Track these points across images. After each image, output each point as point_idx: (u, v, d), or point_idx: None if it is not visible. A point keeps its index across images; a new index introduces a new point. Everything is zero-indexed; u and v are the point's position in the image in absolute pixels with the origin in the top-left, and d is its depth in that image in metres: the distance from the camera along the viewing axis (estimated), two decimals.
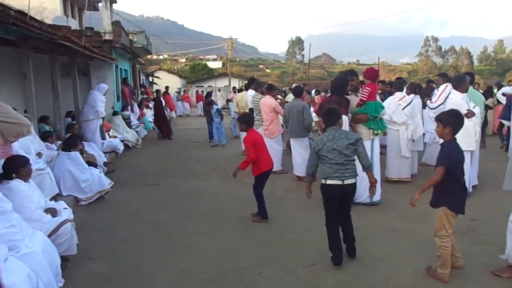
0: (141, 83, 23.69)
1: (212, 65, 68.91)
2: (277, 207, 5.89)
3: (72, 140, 6.41)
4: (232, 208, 5.95)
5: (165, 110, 15.67)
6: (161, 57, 77.71)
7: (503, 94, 11.18)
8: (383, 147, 8.99)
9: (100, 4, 17.74)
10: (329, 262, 4.05)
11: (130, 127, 12.20)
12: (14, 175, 3.90)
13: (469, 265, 3.88)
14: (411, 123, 7.07)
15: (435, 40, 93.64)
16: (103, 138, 9.58)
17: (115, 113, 11.63)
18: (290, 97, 11.29)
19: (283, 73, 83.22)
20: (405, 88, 7.65)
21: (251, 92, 9.03)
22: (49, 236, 3.74)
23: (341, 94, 5.69)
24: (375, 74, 6.25)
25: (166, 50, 77.56)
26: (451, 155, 3.53)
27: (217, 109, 12.08)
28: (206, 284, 3.72)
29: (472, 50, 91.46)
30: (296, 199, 6.36)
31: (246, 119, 5.40)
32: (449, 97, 6.72)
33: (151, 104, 16.63)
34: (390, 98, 7.42)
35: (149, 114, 15.98)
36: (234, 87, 22.91)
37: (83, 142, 7.66)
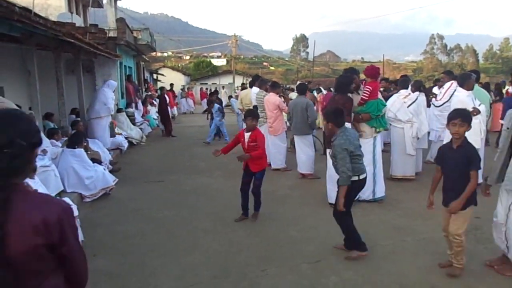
0: (144, 78, 23.70)
1: (216, 62, 68.98)
2: (281, 204, 5.88)
3: (76, 137, 6.43)
4: (235, 205, 5.93)
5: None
6: (165, 54, 77.77)
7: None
8: (387, 144, 9.01)
9: (104, 1, 17.74)
10: (332, 260, 4.06)
11: (134, 124, 12.23)
12: None
13: (473, 263, 3.87)
14: (416, 121, 7.03)
15: (441, 37, 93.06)
16: (113, 135, 9.63)
17: (119, 110, 11.67)
18: (293, 95, 11.28)
19: (287, 70, 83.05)
20: (410, 85, 7.61)
21: (255, 89, 9.01)
22: None
23: (344, 92, 5.66)
24: (376, 72, 6.22)
25: (170, 47, 77.49)
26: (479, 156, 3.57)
27: (219, 107, 12.03)
28: (209, 280, 3.73)
29: (478, 48, 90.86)
30: (300, 196, 6.36)
31: (256, 114, 5.32)
32: (454, 95, 6.70)
33: (155, 102, 16.65)
34: (395, 96, 7.39)
35: (153, 111, 16.00)
36: (242, 83, 22.91)
37: (87, 139, 7.68)
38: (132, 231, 4.94)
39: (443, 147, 3.81)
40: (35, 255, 1.42)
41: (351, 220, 4.15)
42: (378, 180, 5.93)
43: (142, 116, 14.47)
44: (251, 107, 9.68)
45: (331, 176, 5.74)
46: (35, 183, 4.08)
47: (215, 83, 38.03)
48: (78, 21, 12.59)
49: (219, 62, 70.28)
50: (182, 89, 27.57)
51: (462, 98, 6.26)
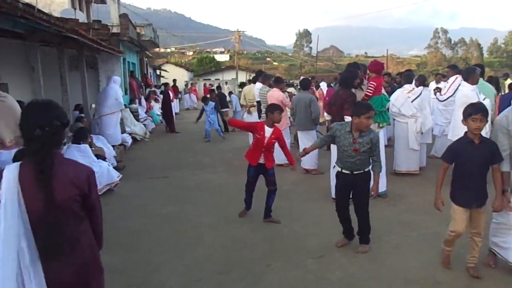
0: (145, 73, 23.68)
1: (220, 58, 68.84)
2: (285, 200, 5.88)
3: (82, 133, 6.46)
4: (239, 201, 5.94)
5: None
6: (168, 50, 77.78)
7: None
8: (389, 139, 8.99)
9: None
10: (336, 255, 4.07)
11: (137, 120, 12.24)
12: None
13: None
14: (420, 116, 7.00)
15: (445, 32, 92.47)
16: (123, 131, 9.67)
17: None
18: (291, 90, 11.20)
19: (290, 65, 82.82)
20: (414, 80, 7.57)
21: (258, 85, 8.99)
22: None
23: (348, 87, 5.63)
24: (380, 68, 6.18)
25: (173, 43, 77.57)
26: None
27: (215, 105, 11.95)
28: (214, 276, 3.74)
29: (482, 42, 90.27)
30: (304, 192, 6.36)
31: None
32: (459, 89, 6.66)
33: (159, 97, 16.66)
34: (399, 91, 7.36)
35: (157, 107, 16.01)
36: (242, 82, 22.85)
37: (91, 135, 7.70)
38: (136, 227, 4.96)
39: (459, 143, 3.51)
40: (73, 201, 1.98)
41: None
42: (381, 175, 5.91)
43: (146, 112, 14.49)
44: (254, 103, 9.69)
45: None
46: None
47: (218, 79, 38.02)
48: (81, 17, 12.60)
49: (222, 57, 70.12)
50: (186, 85, 27.59)
51: (467, 92, 6.22)
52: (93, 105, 10.08)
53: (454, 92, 7.08)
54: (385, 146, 6.43)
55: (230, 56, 67.37)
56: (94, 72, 11.62)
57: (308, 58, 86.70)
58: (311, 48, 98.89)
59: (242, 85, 15.67)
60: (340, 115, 5.48)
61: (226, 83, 32.00)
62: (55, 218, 1.91)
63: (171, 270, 3.85)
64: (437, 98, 7.91)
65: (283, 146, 4.99)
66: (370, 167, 4.09)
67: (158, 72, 33.41)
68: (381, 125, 5.91)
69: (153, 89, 18.78)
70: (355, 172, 4.02)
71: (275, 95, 7.93)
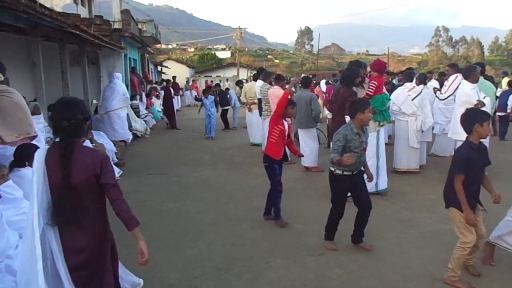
0: (148, 69, 23.63)
1: (221, 55, 68.66)
2: (285, 197, 5.86)
3: None
4: (239, 198, 5.97)
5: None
6: (169, 46, 77.50)
7: None
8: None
9: None
10: (335, 252, 4.09)
11: (138, 116, 12.24)
12: (26, 162, 3.94)
13: (478, 256, 3.87)
14: (420, 114, 7.00)
15: (446, 30, 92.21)
16: (130, 126, 9.69)
17: None
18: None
19: (292, 63, 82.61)
20: (414, 78, 7.57)
21: (259, 82, 8.99)
22: None
23: (349, 86, 5.63)
24: (383, 67, 6.19)
25: (175, 40, 77.31)
26: None
27: (214, 98, 11.90)
28: (214, 272, 3.75)
29: (484, 40, 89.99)
30: (304, 189, 6.36)
31: None
32: (459, 88, 6.66)
33: (160, 94, 16.65)
34: (399, 89, 7.36)
35: (158, 104, 16.00)
36: (239, 80, 22.69)
37: (92, 131, 7.71)
38: None
39: (468, 152, 3.33)
40: (88, 183, 2.33)
41: None
42: (381, 172, 5.93)
43: (146, 108, 14.48)
44: (255, 100, 9.69)
45: None
46: None
47: (219, 76, 37.94)
48: (83, 12, 12.58)
49: (224, 54, 69.93)
50: (187, 82, 27.58)
51: (467, 90, 6.23)
52: (94, 101, 10.08)
53: (454, 90, 7.08)
54: (385, 144, 6.43)
55: (231, 53, 67.24)
56: (96, 68, 11.60)
57: (309, 55, 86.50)
58: (312, 45, 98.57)
59: (238, 83, 15.49)
60: (341, 113, 5.48)
61: (227, 80, 31.93)
62: (70, 195, 2.29)
63: (171, 267, 3.86)
64: (437, 96, 7.92)
65: (289, 141, 5.03)
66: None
67: (159, 68, 33.34)
68: (381, 123, 5.92)
69: (154, 85, 18.77)
70: (354, 172, 4.02)
71: (276, 92, 7.92)
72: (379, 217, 5.01)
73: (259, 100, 8.97)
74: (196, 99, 11.53)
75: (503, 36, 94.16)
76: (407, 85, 7.23)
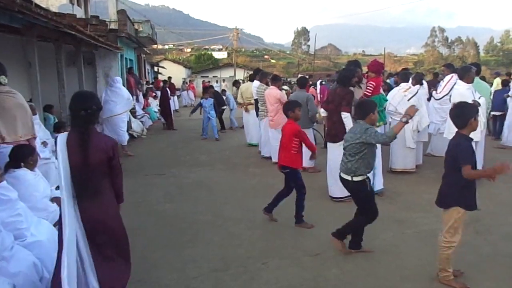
0: (145, 70, 23.59)
1: (218, 55, 68.59)
2: None
3: None
4: (237, 198, 5.96)
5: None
6: (166, 46, 77.36)
7: None
8: None
9: None
10: (332, 252, 4.09)
11: (135, 117, 12.21)
12: (22, 163, 3.92)
13: (473, 255, 3.89)
14: (416, 114, 7.01)
15: (442, 30, 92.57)
16: (130, 127, 9.75)
17: None
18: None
19: (288, 63, 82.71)
20: (410, 78, 7.59)
21: (256, 83, 8.99)
22: (54, 225, 3.76)
23: (346, 86, 5.64)
24: (381, 68, 6.21)
25: (171, 40, 77.21)
26: None
27: (214, 101, 11.88)
28: (210, 273, 3.75)
29: (479, 40, 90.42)
30: None
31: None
32: (454, 88, 6.68)
33: (157, 94, 16.61)
34: (395, 89, 7.37)
35: (154, 104, 15.96)
36: (235, 80, 22.70)
37: None
38: (133, 224, 4.93)
39: (469, 143, 3.32)
40: (102, 163, 2.81)
41: None
42: (378, 173, 5.93)
43: (143, 108, 14.44)
44: (252, 101, 9.69)
45: (332, 169, 5.75)
46: (36, 176, 4.08)
47: (216, 76, 37.95)
48: (79, 12, 12.53)
49: (220, 55, 69.83)
50: (183, 82, 27.58)
51: (462, 91, 6.24)
52: None
53: (450, 90, 7.10)
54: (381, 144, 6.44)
55: (228, 53, 67.12)
56: (92, 68, 11.56)
57: (306, 56, 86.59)
58: (309, 46, 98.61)
59: (235, 83, 15.44)
60: (338, 113, 5.48)
61: (224, 80, 31.95)
62: (87, 173, 2.73)
63: (168, 267, 3.85)
64: (432, 96, 7.94)
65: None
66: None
67: (156, 68, 33.31)
68: (378, 124, 5.93)
69: (150, 86, 18.74)
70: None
71: (272, 93, 7.93)
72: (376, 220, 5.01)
73: (256, 100, 8.97)
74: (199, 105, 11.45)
75: (498, 36, 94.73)
76: (403, 85, 7.25)
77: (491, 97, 8.23)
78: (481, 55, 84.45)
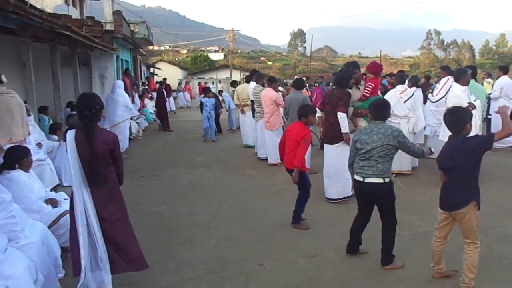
0: (146, 75, 23.52)
1: (214, 56, 68.63)
2: (277, 199, 5.89)
3: None
4: (232, 200, 5.95)
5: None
6: (162, 48, 77.35)
7: None
8: None
9: None
10: (329, 254, 4.08)
11: (131, 118, 12.14)
12: (16, 165, 3.89)
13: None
14: (412, 116, 7.04)
15: (438, 33, 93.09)
16: (131, 133, 9.69)
17: None
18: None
19: (284, 65, 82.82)
20: (407, 81, 7.61)
21: (252, 84, 8.99)
22: (49, 227, 3.73)
23: (343, 87, 5.65)
24: (379, 69, 6.23)
25: (167, 41, 77.13)
26: None
27: (216, 101, 11.80)
28: (206, 275, 3.73)
29: (474, 43, 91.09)
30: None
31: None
32: (450, 90, 6.70)
33: (153, 95, 16.57)
34: (391, 91, 7.39)
35: (150, 105, 15.92)
36: (233, 81, 22.66)
37: None
38: None
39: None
40: (105, 154, 3.22)
41: (355, 222, 4.10)
42: None
43: (139, 110, 14.39)
44: (248, 102, 9.68)
45: (328, 171, 5.75)
46: (31, 177, 4.05)
47: (212, 78, 37.92)
48: (75, 13, 12.49)
49: (217, 56, 69.87)
50: (179, 83, 27.54)
51: (458, 93, 6.27)
52: None
53: (446, 93, 7.12)
54: None
55: (224, 55, 67.22)
56: (87, 69, 11.52)
57: (302, 58, 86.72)
58: (305, 48, 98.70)
59: (233, 83, 15.37)
60: (335, 114, 5.49)
61: (220, 81, 31.93)
62: (94, 162, 3.17)
63: (163, 269, 3.83)
64: (429, 99, 7.96)
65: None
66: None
67: (151, 70, 33.24)
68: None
69: (146, 87, 18.70)
70: None
71: (268, 94, 7.93)
72: (371, 219, 5.01)
73: (252, 102, 8.96)
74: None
75: (493, 39, 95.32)
76: (399, 87, 7.27)
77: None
78: (476, 58, 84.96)
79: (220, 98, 13.60)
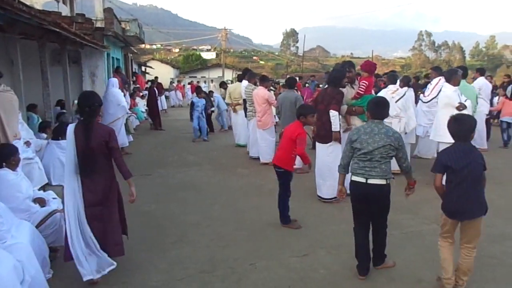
0: (132, 70, 23.33)
1: (206, 55, 68.32)
2: (269, 198, 5.85)
3: (61, 128, 6.30)
4: (224, 199, 5.92)
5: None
6: (154, 46, 76.89)
7: None
8: None
9: None
10: (320, 253, 4.06)
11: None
12: (4, 163, 3.82)
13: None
14: (404, 116, 7.06)
15: (429, 34, 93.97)
16: (128, 132, 9.59)
17: None
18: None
19: (277, 65, 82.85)
20: (398, 81, 7.64)
21: (244, 83, 8.96)
22: (37, 226, 3.67)
23: (336, 86, 5.65)
24: (373, 68, 6.25)
25: (159, 40, 76.83)
26: None
27: (206, 101, 11.71)
28: (197, 274, 3.70)
29: (465, 45, 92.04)
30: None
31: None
32: (441, 90, 6.73)
33: (144, 94, 16.46)
34: (383, 91, 7.41)
35: (141, 104, 15.80)
36: (222, 82, 22.58)
37: None
38: None
39: None
40: (102, 146, 3.46)
41: (358, 235, 3.78)
42: None
43: (130, 108, 14.27)
44: (240, 101, 9.65)
45: (321, 170, 5.74)
46: (18, 176, 3.98)
47: (204, 77, 37.83)
48: (65, 10, 12.38)
49: (209, 55, 69.54)
50: (171, 82, 27.41)
51: (449, 93, 6.30)
52: (75, 101, 9.86)
53: (438, 93, 7.15)
54: None
55: (216, 54, 66.95)
56: (77, 67, 11.41)
57: (295, 57, 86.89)
58: (297, 47, 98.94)
59: (222, 84, 15.26)
60: (327, 113, 5.48)
61: (212, 81, 31.83)
62: (90, 154, 3.43)
63: (154, 269, 3.79)
64: (420, 99, 8.00)
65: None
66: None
67: (143, 68, 33.05)
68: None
69: (138, 86, 18.56)
70: None
71: (260, 93, 7.92)
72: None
73: (244, 101, 8.93)
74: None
75: (483, 41, 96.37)
76: (391, 87, 7.29)
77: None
78: (466, 59, 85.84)
79: (212, 98, 13.54)
